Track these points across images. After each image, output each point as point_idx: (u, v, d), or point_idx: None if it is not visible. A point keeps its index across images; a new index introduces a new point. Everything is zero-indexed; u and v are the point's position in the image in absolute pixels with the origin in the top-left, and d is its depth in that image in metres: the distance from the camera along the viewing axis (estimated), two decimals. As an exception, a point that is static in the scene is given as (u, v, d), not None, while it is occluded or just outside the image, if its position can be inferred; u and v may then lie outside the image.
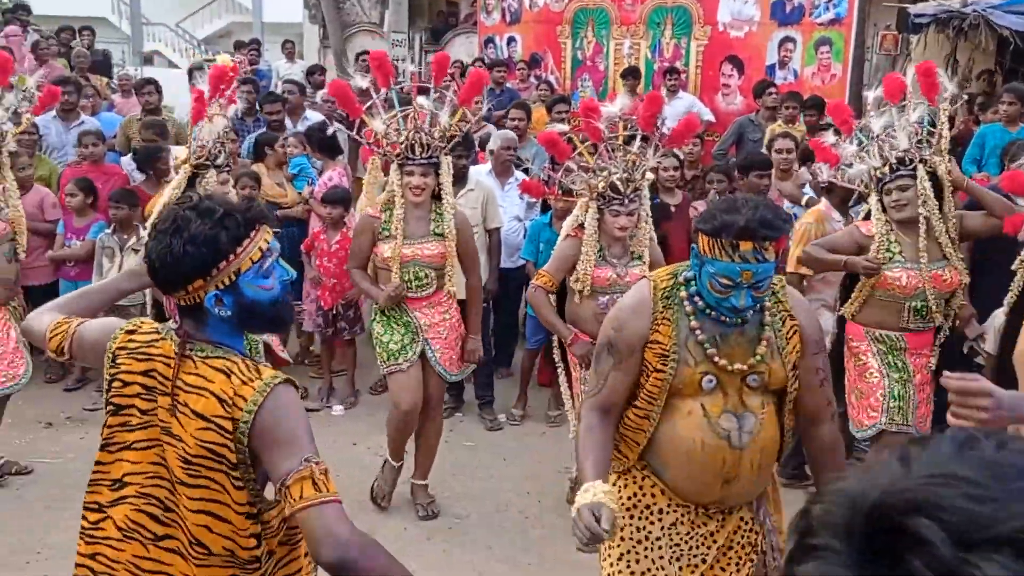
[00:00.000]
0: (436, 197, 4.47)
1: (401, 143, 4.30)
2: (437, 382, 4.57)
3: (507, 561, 4.25)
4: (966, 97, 8.15)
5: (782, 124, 7.07)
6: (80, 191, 5.99)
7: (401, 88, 4.52)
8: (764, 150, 6.63)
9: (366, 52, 11.71)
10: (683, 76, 8.71)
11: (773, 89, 7.74)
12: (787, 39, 8.30)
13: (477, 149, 6.65)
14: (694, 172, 6.74)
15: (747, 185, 5.67)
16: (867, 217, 4.23)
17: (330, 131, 6.17)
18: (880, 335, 4.09)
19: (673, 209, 5.89)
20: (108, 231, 5.89)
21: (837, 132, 4.31)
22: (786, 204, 5.92)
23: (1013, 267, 3.59)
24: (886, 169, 4.03)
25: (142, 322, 2.13)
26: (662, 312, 2.48)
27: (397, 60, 8.67)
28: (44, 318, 2.24)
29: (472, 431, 5.74)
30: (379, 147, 4.42)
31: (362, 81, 4.69)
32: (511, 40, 10.73)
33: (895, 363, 4.05)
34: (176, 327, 2.08)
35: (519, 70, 9.63)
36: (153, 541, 2.02)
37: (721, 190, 5.91)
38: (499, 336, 6.56)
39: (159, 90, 7.78)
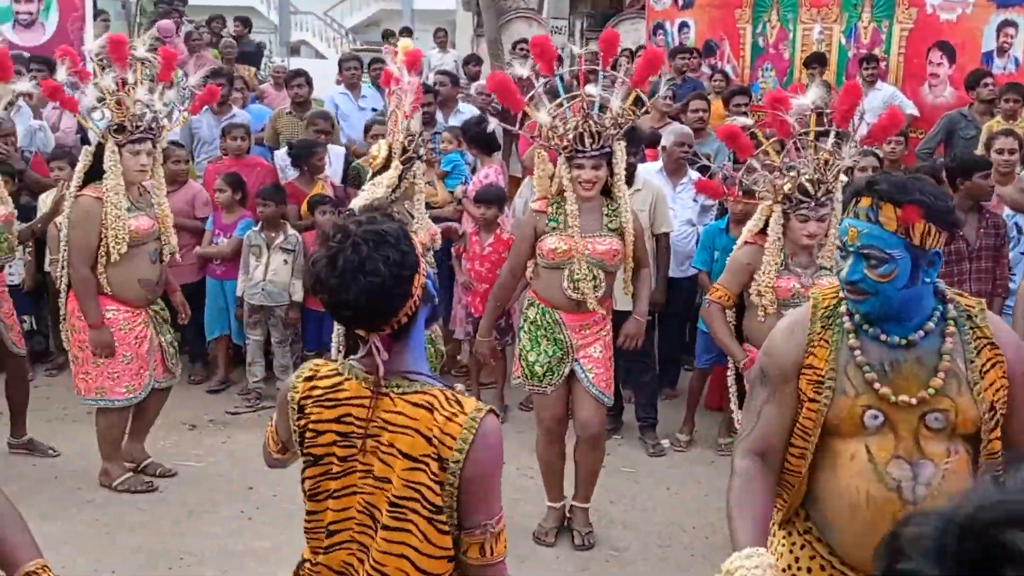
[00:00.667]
0: (604, 192, 4.47)
1: (569, 134, 4.33)
2: (593, 407, 4.55)
3: (670, 601, 4.21)
4: None
5: (1001, 120, 6.72)
6: (228, 186, 6.32)
7: (564, 76, 4.55)
8: (979, 149, 6.31)
9: (524, 40, 11.91)
10: (883, 64, 8.40)
11: (990, 80, 7.36)
12: (1007, 23, 7.86)
13: (645, 146, 6.63)
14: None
15: (967, 189, 5.33)
16: None
17: (490, 128, 6.25)
18: None
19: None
20: (255, 228, 6.20)
21: None
22: (1006, 212, 5.62)
23: None
24: None
25: (316, 366, 2.19)
26: (820, 333, 2.31)
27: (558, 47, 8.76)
28: None
29: (632, 456, 5.71)
30: (545, 140, 4.44)
31: (522, 69, 4.72)
32: (683, 26, 10.63)
33: None
34: (362, 363, 2.10)
35: (692, 59, 9.53)
36: None
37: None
38: (664, 353, 6.50)
39: (309, 82, 8.10)
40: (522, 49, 10.91)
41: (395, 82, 4.60)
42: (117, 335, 4.79)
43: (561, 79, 4.53)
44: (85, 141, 7.36)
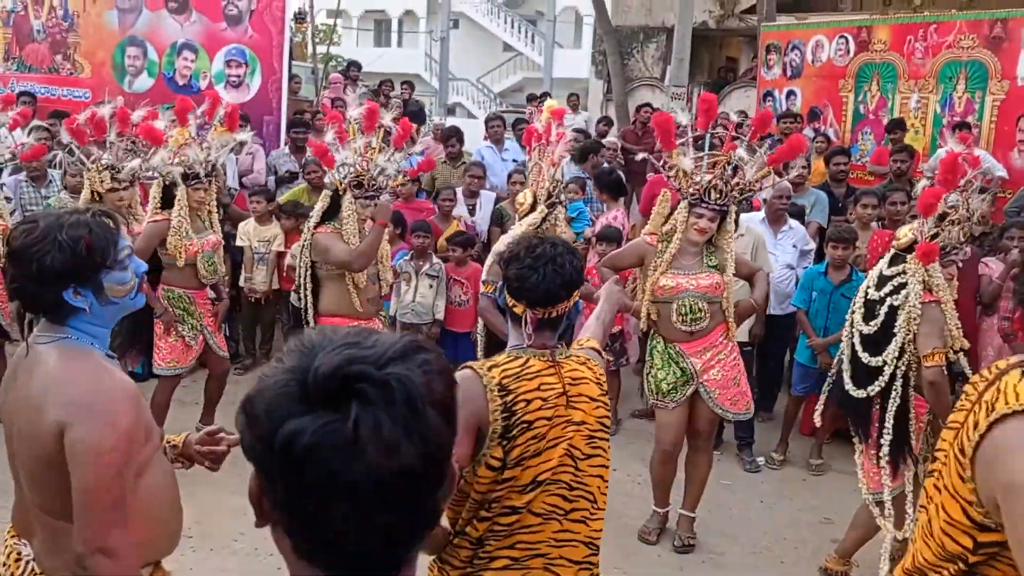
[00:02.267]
0: (709, 242, 4.41)
1: (700, 185, 4.27)
2: (708, 416, 4.46)
3: (760, 603, 4.08)
4: None
5: (1087, 183, 6.32)
6: (392, 223, 6.49)
7: (714, 135, 4.51)
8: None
9: (647, 104, 11.92)
10: (975, 131, 8.03)
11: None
12: (1096, 96, 7.45)
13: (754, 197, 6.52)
14: (983, 229, 6.17)
15: None
16: None
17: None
18: None
19: (959, 265, 5.41)
20: (406, 258, 6.36)
21: None
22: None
23: None
24: None
25: (493, 361, 2.36)
26: None
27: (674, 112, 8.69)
28: None
29: (730, 470, 5.56)
30: (677, 182, 4.38)
31: (683, 117, 4.61)
32: (790, 93, 10.42)
33: None
34: (535, 343, 2.37)
35: (796, 123, 9.32)
36: (564, 516, 2.33)
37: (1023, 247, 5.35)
38: (763, 380, 6.35)
39: (461, 140, 8.35)
40: (645, 112, 10.93)
41: (536, 138, 4.66)
42: None
43: (710, 137, 4.49)
44: (282, 182, 7.75)
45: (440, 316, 6.30)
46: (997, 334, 5.10)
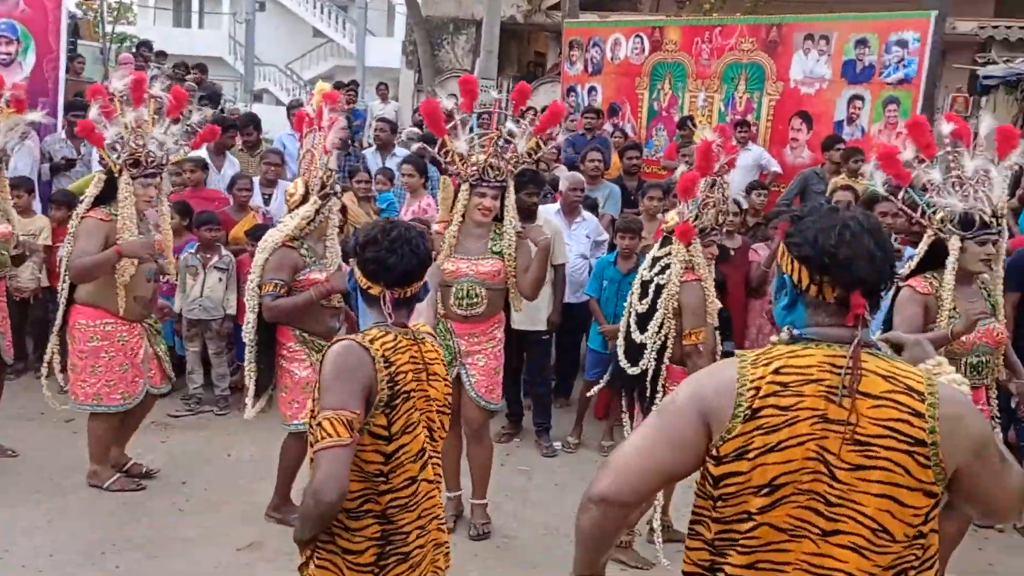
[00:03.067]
0: (498, 219, 4.45)
1: (477, 165, 4.32)
2: (473, 407, 4.50)
3: (551, 583, 4.19)
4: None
5: (845, 177, 6.92)
6: (177, 214, 6.17)
7: (481, 115, 4.55)
8: (825, 201, 6.49)
9: (454, 95, 11.98)
10: (753, 128, 8.62)
11: (841, 144, 7.58)
12: (856, 97, 8.13)
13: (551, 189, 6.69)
14: (756, 220, 6.63)
15: None
16: (914, 272, 3.82)
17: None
18: None
19: (732, 252, 5.80)
20: (191, 251, 6.06)
21: (917, 154, 3.75)
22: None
23: None
24: (991, 218, 3.62)
25: (369, 335, 2.41)
26: None
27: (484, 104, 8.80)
28: None
29: (528, 457, 5.70)
30: (455, 167, 4.40)
31: (448, 103, 4.66)
32: (592, 89, 10.78)
33: None
34: (396, 322, 2.47)
35: (598, 118, 9.66)
36: (436, 485, 2.53)
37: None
38: (560, 367, 6.54)
39: (258, 128, 8.09)
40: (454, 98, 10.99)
41: (308, 123, 4.48)
42: (115, 346, 4.62)
43: (479, 117, 4.54)
44: (57, 170, 7.20)
45: (232, 311, 6.07)
46: (763, 315, 5.51)
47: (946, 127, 3.74)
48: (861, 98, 8.11)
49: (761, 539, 1.80)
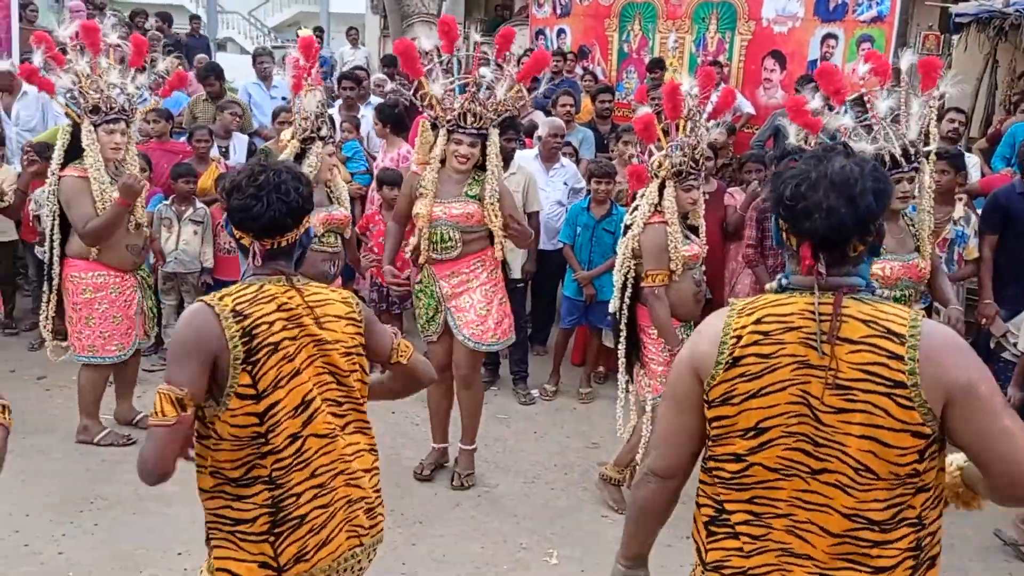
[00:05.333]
0: (480, 168, 4.37)
1: (454, 110, 4.22)
2: (463, 351, 4.45)
3: (533, 531, 4.21)
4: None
5: (821, 117, 6.85)
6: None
7: (461, 58, 4.44)
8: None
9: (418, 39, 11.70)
10: (726, 69, 8.51)
11: (814, 84, 7.49)
12: (829, 35, 8.04)
13: (524, 135, 6.58)
14: (724, 160, 6.57)
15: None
16: None
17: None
18: None
19: (707, 196, 5.73)
20: (166, 203, 5.93)
21: (826, 100, 3.78)
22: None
23: None
24: (901, 157, 3.66)
25: (226, 291, 2.26)
26: None
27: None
28: None
29: (506, 405, 5.69)
30: (432, 111, 4.30)
31: (426, 43, 4.56)
32: (561, 32, 10.59)
33: None
34: (268, 270, 2.29)
35: (568, 60, 9.50)
36: (342, 431, 2.35)
37: (760, 179, 5.74)
38: (536, 315, 6.51)
39: (220, 77, 7.85)
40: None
41: (305, 72, 4.44)
42: (108, 298, 4.64)
43: (458, 60, 4.42)
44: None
45: (209, 264, 5.96)
46: (741, 260, 5.48)
47: (862, 67, 3.78)
48: (835, 36, 8.02)
49: (755, 477, 1.89)
